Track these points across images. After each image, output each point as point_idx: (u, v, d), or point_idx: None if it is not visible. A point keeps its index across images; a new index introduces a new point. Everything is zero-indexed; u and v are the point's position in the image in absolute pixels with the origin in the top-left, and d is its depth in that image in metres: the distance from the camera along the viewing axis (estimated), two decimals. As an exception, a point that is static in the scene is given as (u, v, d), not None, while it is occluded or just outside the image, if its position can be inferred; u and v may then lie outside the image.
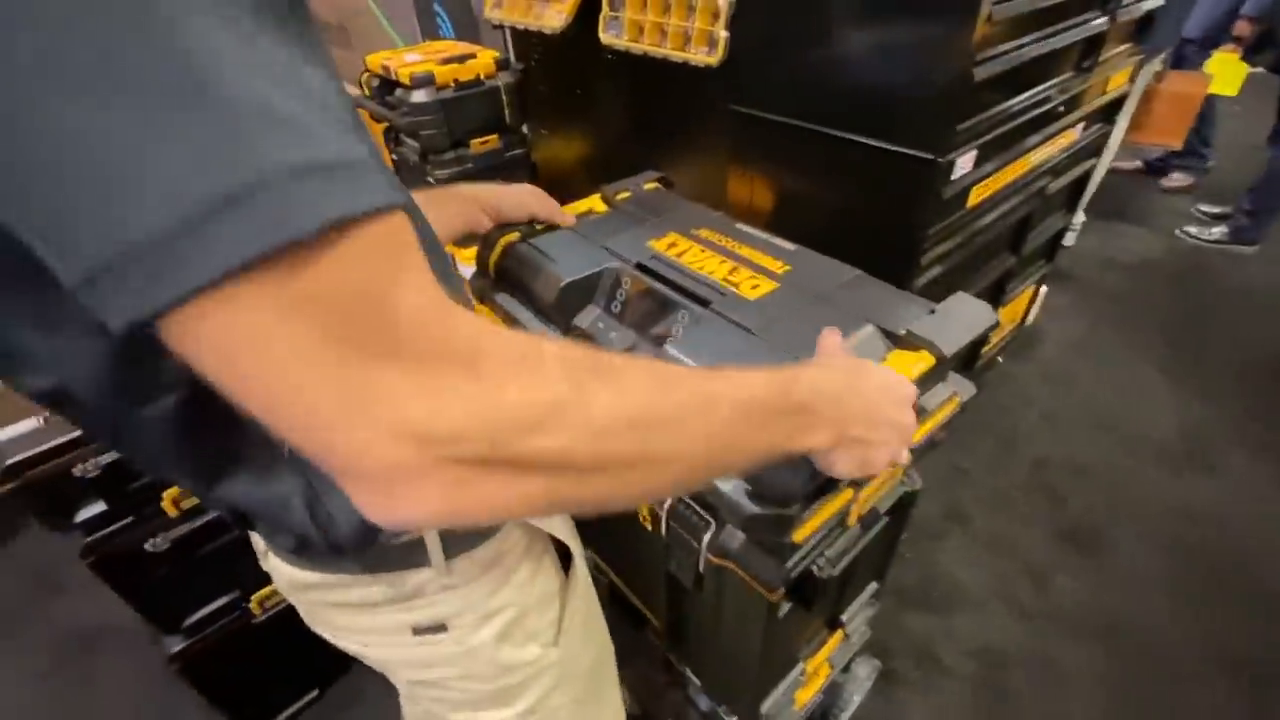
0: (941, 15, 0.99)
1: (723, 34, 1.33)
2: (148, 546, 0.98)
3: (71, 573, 1.16)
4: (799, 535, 0.60)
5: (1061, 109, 1.39)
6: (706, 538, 0.65)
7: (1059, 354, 2.27)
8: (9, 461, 0.82)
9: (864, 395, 0.48)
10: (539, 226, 0.89)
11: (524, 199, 0.86)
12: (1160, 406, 2.04)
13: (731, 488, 0.60)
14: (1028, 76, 1.24)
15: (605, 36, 1.58)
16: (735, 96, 1.37)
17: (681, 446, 0.36)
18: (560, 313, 0.82)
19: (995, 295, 1.75)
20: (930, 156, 1.09)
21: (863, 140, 1.17)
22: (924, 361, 0.61)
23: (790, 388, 0.42)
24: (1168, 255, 2.78)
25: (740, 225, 0.88)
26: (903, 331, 0.65)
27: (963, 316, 0.65)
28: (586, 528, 0.67)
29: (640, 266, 0.81)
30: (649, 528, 0.76)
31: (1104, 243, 2.85)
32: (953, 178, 1.15)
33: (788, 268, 0.78)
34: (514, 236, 0.86)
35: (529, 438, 0.30)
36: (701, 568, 0.69)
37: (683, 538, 0.68)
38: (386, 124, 1.86)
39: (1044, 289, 2.14)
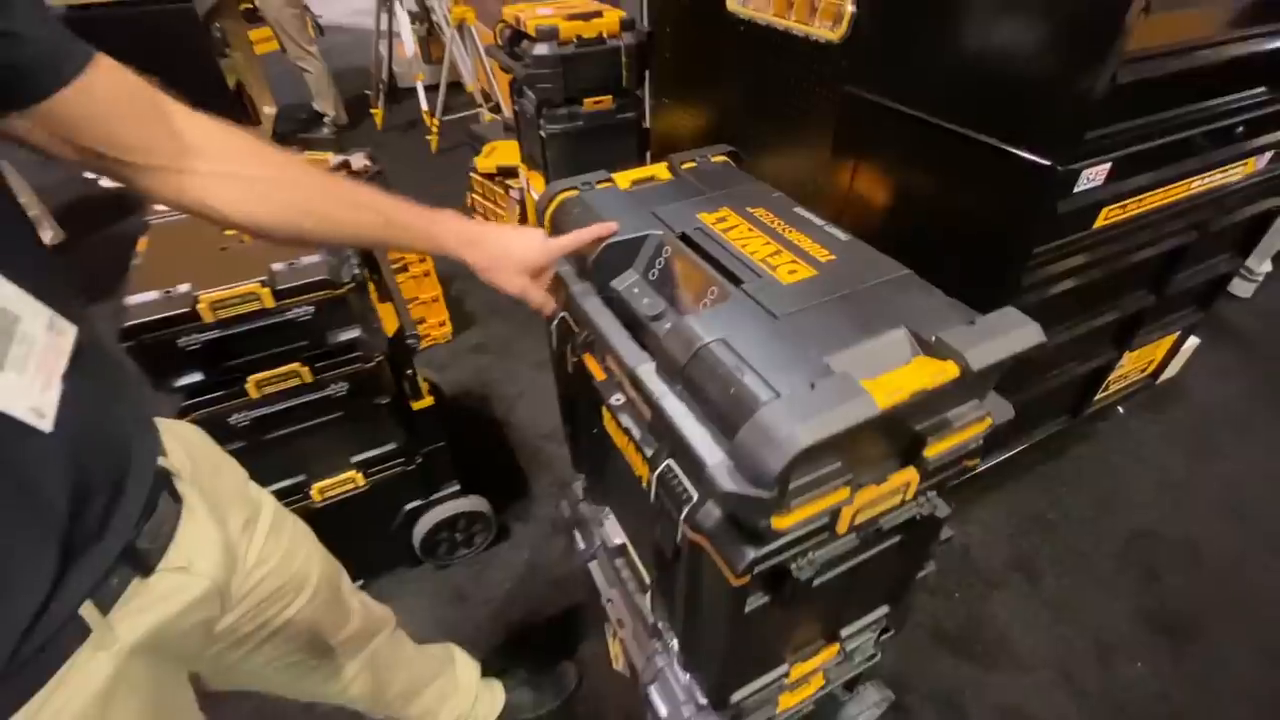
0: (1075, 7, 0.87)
1: (849, 8, 1.25)
2: (231, 420, 1.12)
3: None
4: (779, 523, 0.58)
5: (1241, 131, 1.18)
6: (685, 510, 0.65)
7: (1199, 419, 1.97)
8: (128, 324, 0.97)
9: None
10: (598, 183, 0.89)
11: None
12: (1316, 502, 1.72)
13: (716, 462, 0.58)
14: (1196, 87, 1.07)
15: (733, 4, 1.54)
16: (851, 77, 1.29)
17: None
18: (600, 271, 0.83)
19: (1121, 335, 1.55)
20: (1049, 163, 0.97)
21: (980, 137, 1.06)
22: (946, 373, 0.56)
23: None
24: (1376, 329, 2.31)
25: (798, 209, 0.84)
26: (933, 338, 0.59)
27: (1003, 332, 0.59)
28: (607, 487, 0.69)
29: (684, 237, 0.79)
30: (648, 492, 0.77)
31: (1292, 301, 2.42)
32: (1075, 191, 1.02)
33: (832, 257, 0.73)
34: (572, 191, 0.88)
35: None
36: (679, 540, 0.68)
37: (666, 507, 0.68)
38: (511, 76, 1.94)
39: (1193, 340, 1.85)
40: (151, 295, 1.00)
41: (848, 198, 1.37)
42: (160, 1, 2.73)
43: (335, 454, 1.32)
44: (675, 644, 0.98)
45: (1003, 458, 1.63)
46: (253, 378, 1.10)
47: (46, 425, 0.44)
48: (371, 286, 1.24)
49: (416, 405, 1.37)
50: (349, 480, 1.34)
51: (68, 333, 0.48)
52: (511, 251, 0.74)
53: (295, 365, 1.13)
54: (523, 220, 2.58)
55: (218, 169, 0.55)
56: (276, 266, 1.05)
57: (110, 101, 0.49)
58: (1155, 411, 1.99)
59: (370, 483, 1.37)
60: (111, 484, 0.51)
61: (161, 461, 0.58)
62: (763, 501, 0.54)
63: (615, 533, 1.12)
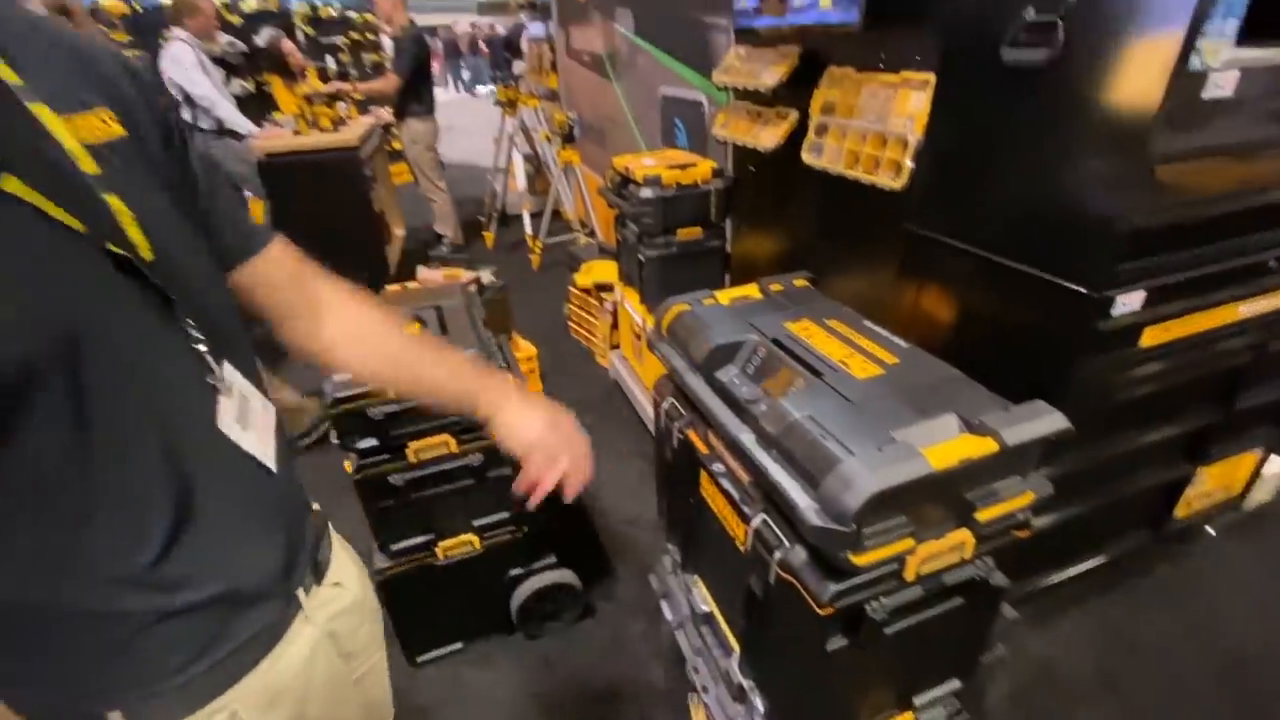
0: (1101, 156, 1.08)
1: (908, 164, 1.52)
2: (391, 479, 1.37)
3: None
4: (856, 559, 0.74)
5: (1274, 265, 1.32)
6: (778, 554, 0.81)
7: (1300, 544, 1.91)
8: (337, 395, 1.26)
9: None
10: (704, 299, 1.14)
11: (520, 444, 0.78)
12: None
13: (806, 505, 0.76)
14: (1222, 226, 1.23)
15: (807, 157, 1.85)
16: (911, 217, 1.53)
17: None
18: (707, 366, 1.05)
19: (1192, 449, 1.60)
20: (1084, 291, 1.14)
21: (1023, 268, 1.26)
22: (987, 447, 0.73)
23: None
24: None
25: (867, 322, 1.04)
26: (976, 420, 0.76)
27: (1032, 418, 0.75)
28: (698, 555, 0.86)
29: (774, 340, 1.01)
30: (741, 547, 0.93)
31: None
32: (1113, 314, 1.18)
33: (896, 360, 0.93)
34: (685, 306, 1.13)
35: None
36: (771, 581, 0.84)
37: (760, 552, 0.85)
38: (617, 210, 2.32)
39: (1277, 460, 1.85)
40: (349, 374, 1.29)
41: (911, 313, 1.57)
42: (335, 150, 3.43)
43: (460, 517, 1.54)
44: (760, 705, 1.09)
45: (1083, 568, 1.66)
46: (413, 444, 1.36)
47: (274, 468, 0.62)
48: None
49: (530, 479, 1.59)
50: (467, 542, 1.54)
51: (271, 408, 0.66)
52: (514, 431, 0.76)
53: (445, 436, 1.38)
54: (614, 326, 2.89)
55: (342, 328, 0.71)
56: (444, 356, 1.34)
57: (279, 272, 0.66)
58: (1249, 536, 1.94)
59: (484, 547, 1.57)
60: (303, 510, 0.70)
61: (315, 505, 0.75)
62: (843, 535, 0.70)
63: (703, 600, 1.26)
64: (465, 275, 2.36)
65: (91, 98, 0.49)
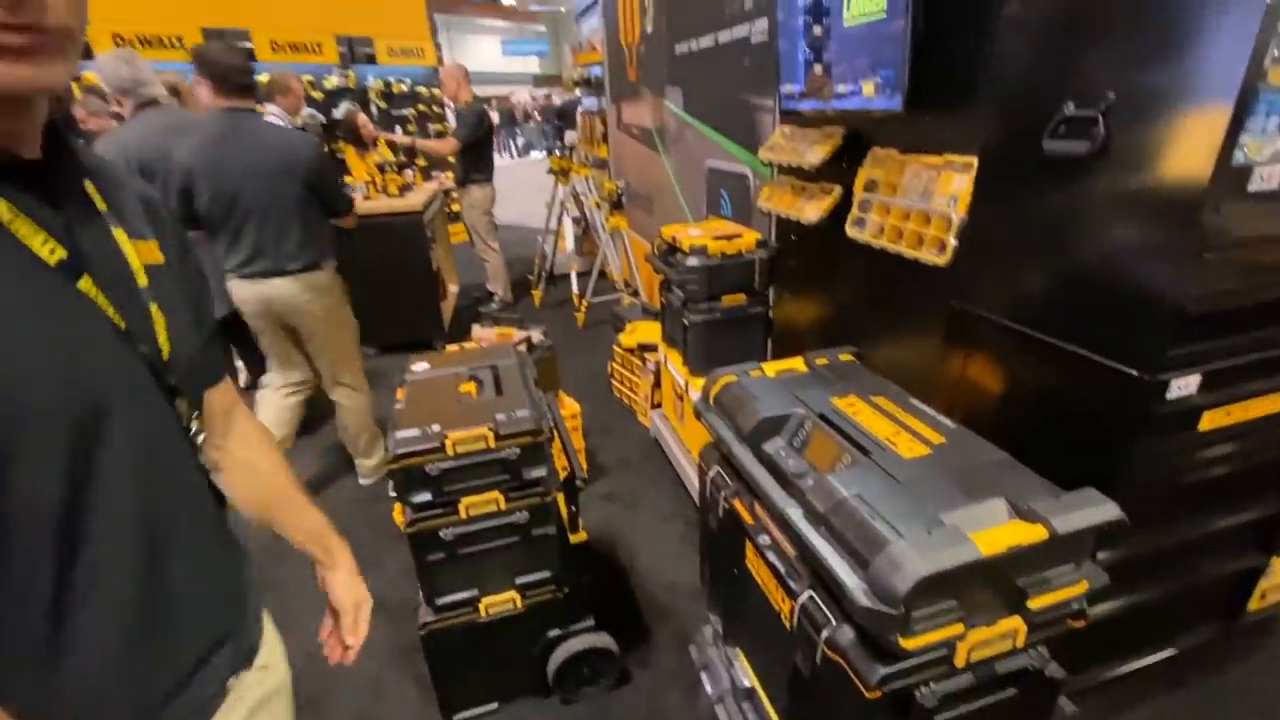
0: (1147, 243, 1.10)
1: (952, 241, 1.55)
2: (441, 534, 1.42)
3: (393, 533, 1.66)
4: (905, 643, 0.74)
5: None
6: (825, 633, 0.82)
7: (1393, 648, 1.76)
8: (398, 451, 1.33)
9: None
10: (751, 371, 1.18)
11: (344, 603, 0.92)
12: None
13: (854, 584, 0.77)
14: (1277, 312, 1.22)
15: (851, 231, 1.90)
16: (955, 293, 1.56)
17: None
18: (754, 438, 1.09)
19: (1264, 537, 1.53)
20: (1136, 373, 1.14)
21: (1073, 348, 1.26)
22: (1036, 534, 0.73)
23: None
24: None
25: (913, 400, 1.06)
26: (1025, 507, 0.77)
27: (1083, 507, 0.75)
28: (741, 627, 0.87)
29: (821, 415, 1.04)
30: (786, 623, 0.94)
31: None
32: (1169, 397, 1.17)
33: (942, 440, 0.94)
34: (732, 377, 1.17)
35: None
36: (818, 660, 0.84)
37: (806, 629, 0.85)
38: (663, 277, 2.41)
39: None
40: (413, 432, 1.37)
41: (957, 390, 1.57)
42: (401, 215, 3.68)
43: (504, 574, 1.57)
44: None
45: (1149, 661, 1.56)
46: (465, 500, 1.41)
47: (244, 544, 0.71)
48: (556, 435, 1.57)
49: (574, 539, 1.62)
50: (510, 600, 1.57)
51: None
52: (332, 589, 0.91)
53: (495, 494, 1.43)
54: (656, 385, 2.95)
55: (244, 459, 0.81)
56: (499, 417, 1.40)
57: (220, 401, 0.77)
58: (1336, 635, 1.80)
59: (526, 606, 1.59)
60: (249, 588, 0.75)
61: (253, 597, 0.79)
62: (892, 618, 0.71)
63: (745, 674, 1.24)
64: (517, 334, 2.47)
65: (146, 231, 0.62)
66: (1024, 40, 1.29)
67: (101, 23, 3.63)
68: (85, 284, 0.52)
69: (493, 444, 1.37)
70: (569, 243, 4.72)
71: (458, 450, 1.35)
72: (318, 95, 5.08)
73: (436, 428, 1.37)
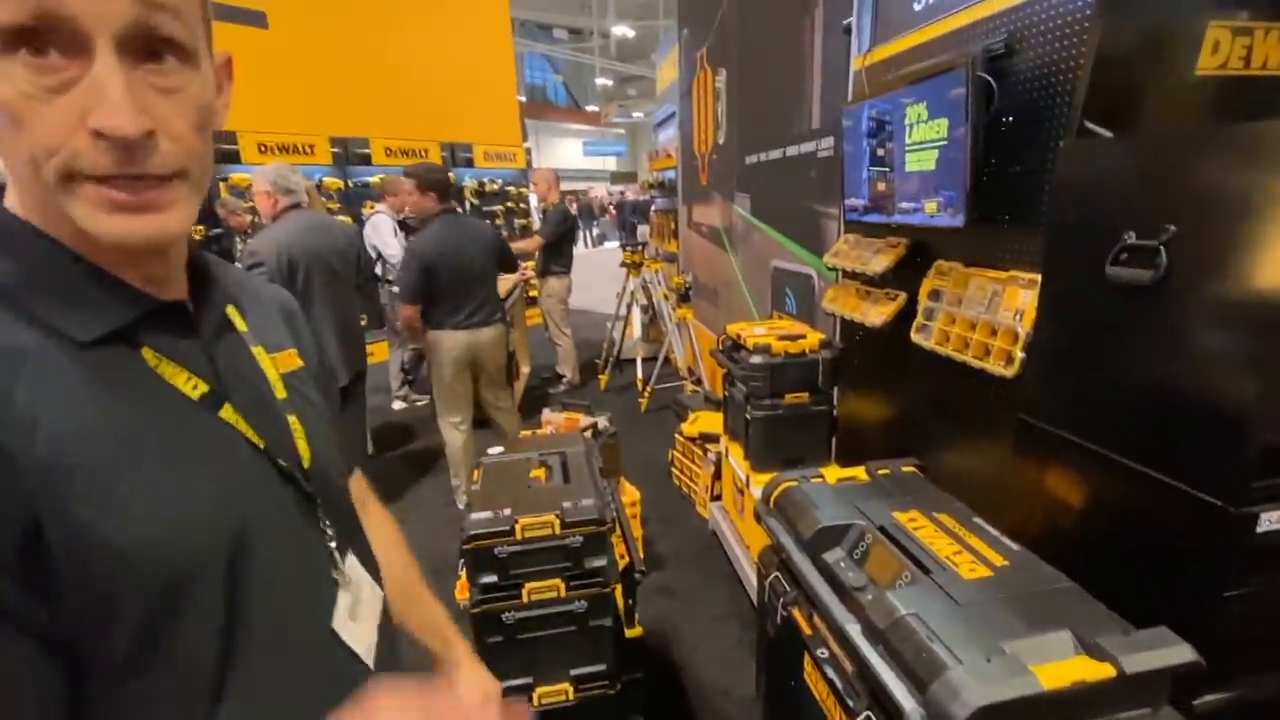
0: (1221, 373, 1.08)
1: (1019, 354, 1.56)
2: (503, 616, 1.47)
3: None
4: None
5: None
6: (882, 758, 0.81)
7: None
8: (472, 532, 1.42)
9: None
10: (812, 478, 1.22)
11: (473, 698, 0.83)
12: None
13: (911, 708, 0.77)
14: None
15: (915, 337, 1.94)
16: (1023, 407, 1.55)
17: None
18: (814, 546, 1.11)
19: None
20: (1220, 504, 1.10)
21: (1151, 473, 1.22)
22: (1103, 672, 0.72)
23: None
24: None
25: (977, 519, 1.07)
26: (1092, 641, 0.76)
27: (1155, 647, 0.74)
28: None
29: (882, 529, 1.06)
30: (843, 743, 0.92)
31: None
32: (1259, 531, 1.11)
33: (1005, 563, 0.94)
34: (792, 483, 1.21)
35: None
36: (875, 787, 0.82)
37: (864, 753, 0.84)
38: (726, 370, 2.49)
39: None
40: (486, 514, 1.46)
41: (1023, 508, 1.51)
42: (484, 300, 3.98)
43: (558, 664, 1.58)
44: None
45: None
46: (528, 585, 1.47)
47: (371, 663, 0.60)
48: (617, 525, 1.62)
49: (629, 633, 1.62)
50: (563, 691, 1.57)
51: (379, 593, 0.66)
52: (474, 681, 0.83)
53: (556, 580, 1.48)
54: (716, 476, 2.95)
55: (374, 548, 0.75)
56: (565, 504, 1.48)
57: (355, 489, 0.74)
58: None
59: (578, 698, 1.58)
60: None
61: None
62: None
63: (800, 796, 1.19)
64: (584, 420, 2.58)
65: (285, 340, 0.64)
66: (1079, 172, 1.35)
67: (250, 134, 4.26)
68: (226, 412, 0.52)
69: (558, 531, 1.44)
70: (636, 329, 4.92)
71: (525, 534, 1.43)
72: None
73: (507, 511, 1.46)
